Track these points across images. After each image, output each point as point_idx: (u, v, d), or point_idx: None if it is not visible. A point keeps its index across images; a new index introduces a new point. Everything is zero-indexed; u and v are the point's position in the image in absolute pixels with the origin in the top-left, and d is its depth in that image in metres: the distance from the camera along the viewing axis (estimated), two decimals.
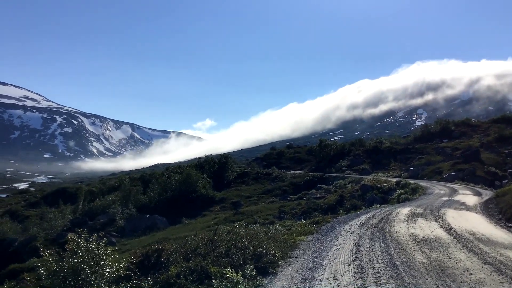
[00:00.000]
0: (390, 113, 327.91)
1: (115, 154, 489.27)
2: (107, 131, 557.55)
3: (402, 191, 27.73)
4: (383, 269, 8.79)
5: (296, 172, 57.83)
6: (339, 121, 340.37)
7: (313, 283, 8.17)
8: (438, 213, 16.92)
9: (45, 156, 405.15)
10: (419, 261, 9.36)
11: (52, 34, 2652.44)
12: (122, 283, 8.76)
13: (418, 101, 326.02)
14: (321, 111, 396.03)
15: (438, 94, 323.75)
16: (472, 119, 77.89)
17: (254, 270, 8.71)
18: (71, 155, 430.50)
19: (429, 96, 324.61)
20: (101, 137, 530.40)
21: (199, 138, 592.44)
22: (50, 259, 8.75)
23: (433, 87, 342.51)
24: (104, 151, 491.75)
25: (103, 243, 9.32)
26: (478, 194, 25.47)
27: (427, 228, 13.52)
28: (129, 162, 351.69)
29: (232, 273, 8.05)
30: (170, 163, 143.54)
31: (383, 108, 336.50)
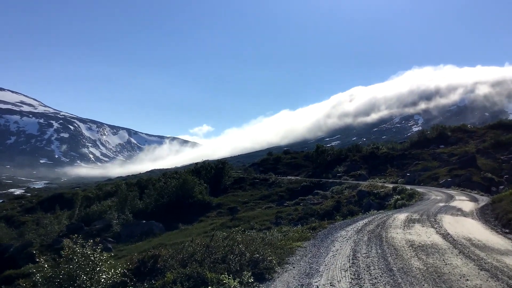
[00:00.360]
0: (386, 119, 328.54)
1: (112, 159, 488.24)
2: (104, 137, 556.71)
3: (399, 197, 27.75)
4: (380, 275, 8.78)
5: (293, 177, 57.82)
6: (332, 129, 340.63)
7: None
8: (435, 219, 16.93)
9: (42, 161, 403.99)
10: (415, 267, 9.37)
11: (49, 39, 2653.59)
12: None
13: (413, 108, 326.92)
14: (314, 119, 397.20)
15: (434, 100, 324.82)
16: (469, 125, 78.11)
17: (251, 276, 8.69)
18: (68, 160, 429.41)
19: (425, 103, 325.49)
20: (98, 143, 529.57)
21: (194, 143, 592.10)
22: (46, 265, 8.72)
23: (429, 94, 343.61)
24: (101, 157, 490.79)
25: (99, 249, 9.30)
26: (474, 200, 25.50)
27: (424, 234, 13.52)
28: (125, 168, 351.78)
29: (228, 279, 8.04)
30: (167, 169, 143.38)
31: (377, 116, 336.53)
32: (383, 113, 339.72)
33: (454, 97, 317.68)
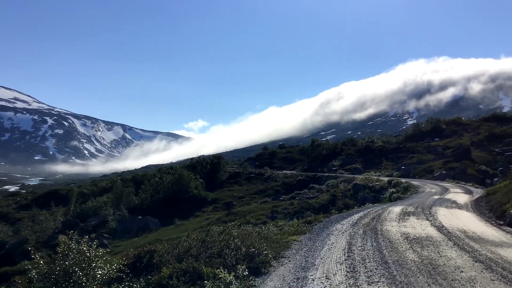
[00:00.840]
0: (381, 113, 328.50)
1: (107, 155, 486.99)
2: (98, 132, 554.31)
3: (394, 190, 27.85)
4: (375, 268, 8.82)
5: (288, 172, 57.84)
6: (325, 124, 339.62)
7: (306, 283, 8.19)
8: (430, 211, 17.01)
9: (36, 158, 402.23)
10: (410, 260, 9.41)
11: (42, 35, 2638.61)
12: (114, 285, 8.73)
13: (408, 101, 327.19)
14: (304, 115, 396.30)
15: (429, 94, 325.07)
16: (463, 118, 78.35)
17: (247, 270, 8.72)
18: (62, 156, 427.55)
19: (419, 96, 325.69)
20: (92, 139, 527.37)
21: (185, 139, 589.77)
22: (42, 262, 8.70)
23: (423, 87, 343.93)
24: (96, 153, 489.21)
25: (94, 245, 9.28)
26: (469, 192, 25.62)
27: (419, 227, 13.59)
28: (118, 164, 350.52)
29: (224, 273, 8.05)
30: (162, 164, 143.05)
31: (369, 111, 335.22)
32: (375, 108, 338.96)
33: (448, 90, 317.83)
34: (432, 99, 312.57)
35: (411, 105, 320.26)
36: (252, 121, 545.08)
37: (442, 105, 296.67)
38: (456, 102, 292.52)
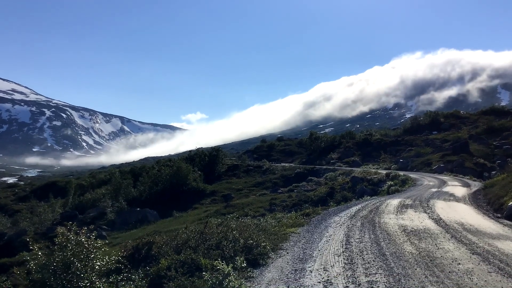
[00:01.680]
0: (379, 107, 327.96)
1: (105, 147, 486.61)
2: (97, 124, 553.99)
3: (392, 182, 27.88)
4: (373, 260, 8.84)
5: (286, 164, 57.88)
6: (317, 119, 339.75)
7: (303, 274, 8.21)
8: (427, 204, 17.06)
9: (34, 149, 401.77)
10: (408, 252, 9.44)
11: (40, 27, 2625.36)
12: (113, 276, 8.74)
13: (406, 95, 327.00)
14: (298, 109, 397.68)
15: (428, 87, 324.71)
16: (461, 111, 78.35)
17: (245, 262, 8.73)
18: (60, 148, 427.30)
19: (418, 90, 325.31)
20: (91, 131, 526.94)
21: (185, 130, 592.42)
22: (40, 253, 8.70)
23: (423, 81, 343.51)
24: (94, 145, 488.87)
25: (93, 236, 9.28)
26: (466, 185, 25.68)
27: (416, 219, 13.62)
28: (118, 156, 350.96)
29: (222, 265, 8.06)
30: (161, 156, 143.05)
31: (365, 107, 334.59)
32: (371, 104, 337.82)
33: (446, 85, 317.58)
34: (431, 93, 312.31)
35: (410, 98, 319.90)
36: (253, 111, 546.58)
37: (441, 99, 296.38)
38: (455, 96, 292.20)
